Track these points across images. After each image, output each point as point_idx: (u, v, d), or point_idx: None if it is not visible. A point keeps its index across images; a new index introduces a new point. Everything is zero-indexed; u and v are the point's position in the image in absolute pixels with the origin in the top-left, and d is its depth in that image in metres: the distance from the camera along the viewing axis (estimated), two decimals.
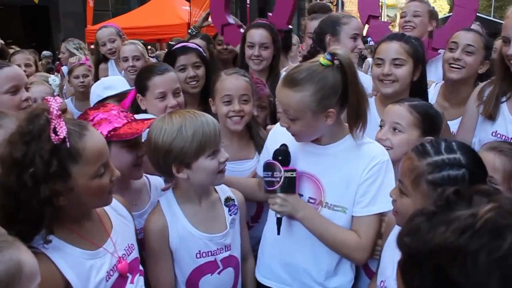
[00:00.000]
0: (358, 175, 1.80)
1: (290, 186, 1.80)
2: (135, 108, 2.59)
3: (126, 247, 1.62)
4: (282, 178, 1.78)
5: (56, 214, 1.35)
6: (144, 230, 1.86)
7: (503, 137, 2.42)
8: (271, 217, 1.95)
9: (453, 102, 2.88)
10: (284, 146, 1.84)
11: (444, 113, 2.29)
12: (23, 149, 1.29)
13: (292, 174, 1.78)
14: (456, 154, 1.42)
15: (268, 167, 1.81)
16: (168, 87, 2.46)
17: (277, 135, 1.96)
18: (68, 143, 1.32)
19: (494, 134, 2.46)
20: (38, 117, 1.32)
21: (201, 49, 3.05)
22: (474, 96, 2.60)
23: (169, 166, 1.77)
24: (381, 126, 2.12)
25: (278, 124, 2.05)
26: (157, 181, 2.10)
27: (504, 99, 2.45)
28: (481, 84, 2.63)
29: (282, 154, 1.81)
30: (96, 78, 4.22)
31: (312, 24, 3.57)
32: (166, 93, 2.45)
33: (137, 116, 2.28)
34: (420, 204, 1.38)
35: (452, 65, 2.79)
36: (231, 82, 2.31)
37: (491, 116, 2.45)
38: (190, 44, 3.10)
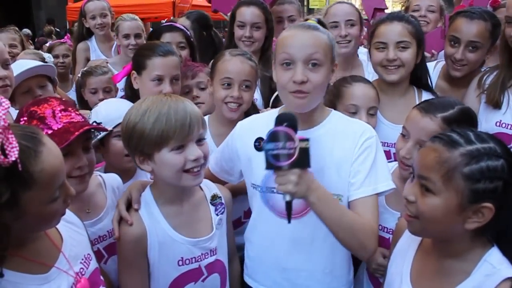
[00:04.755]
0: (350, 154, 1.64)
1: (305, 159, 1.38)
2: (128, 84, 2.40)
3: (83, 259, 1.39)
4: (297, 149, 1.36)
5: (4, 250, 1.11)
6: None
7: (509, 126, 2.28)
8: (262, 218, 1.74)
9: (455, 84, 2.63)
10: (289, 112, 1.46)
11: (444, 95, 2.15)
12: None
13: (307, 145, 1.38)
14: (490, 144, 1.24)
15: (275, 136, 1.36)
16: (167, 72, 2.24)
17: (248, 132, 1.76)
18: (20, 166, 1.05)
19: (498, 124, 2.31)
20: None
21: (187, 32, 2.88)
22: (473, 85, 2.45)
23: (133, 154, 1.58)
24: (403, 135, 1.86)
25: (246, 120, 1.88)
26: (114, 180, 1.85)
27: (510, 84, 2.30)
28: (480, 73, 2.47)
29: (290, 119, 1.39)
30: (74, 58, 3.93)
31: (290, 8, 3.26)
32: (164, 78, 2.23)
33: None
34: (452, 202, 1.23)
35: (454, 64, 2.50)
36: (234, 64, 2.14)
37: (497, 103, 2.30)
38: (177, 24, 2.95)
